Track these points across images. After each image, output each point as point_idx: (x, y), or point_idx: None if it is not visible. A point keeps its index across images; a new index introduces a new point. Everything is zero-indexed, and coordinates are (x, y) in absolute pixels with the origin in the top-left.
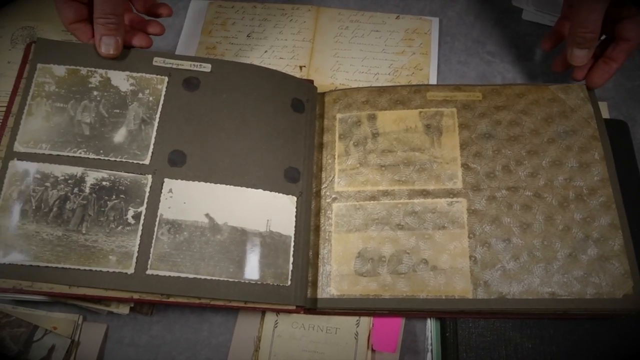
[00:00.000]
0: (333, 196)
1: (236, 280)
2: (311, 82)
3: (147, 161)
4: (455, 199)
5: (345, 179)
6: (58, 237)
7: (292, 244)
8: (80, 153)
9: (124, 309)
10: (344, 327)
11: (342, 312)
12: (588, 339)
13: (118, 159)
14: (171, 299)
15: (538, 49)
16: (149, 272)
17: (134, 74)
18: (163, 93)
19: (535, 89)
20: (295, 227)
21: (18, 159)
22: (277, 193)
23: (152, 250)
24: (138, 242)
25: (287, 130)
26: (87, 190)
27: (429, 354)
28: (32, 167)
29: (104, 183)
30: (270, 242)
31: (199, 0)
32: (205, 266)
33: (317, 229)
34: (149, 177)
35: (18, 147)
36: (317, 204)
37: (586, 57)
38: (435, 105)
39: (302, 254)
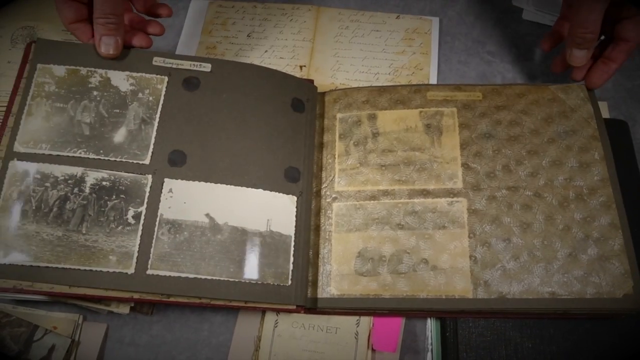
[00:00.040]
0: (333, 196)
1: (237, 280)
2: (311, 81)
3: (147, 161)
4: (455, 199)
5: (345, 178)
6: (58, 237)
7: (293, 243)
8: (80, 153)
9: (124, 309)
10: (344, 326)
11: (342, 311)
12: (588, 339)
13: (118, 159)
14: (171, 299)
15: (538, 48)
16: (149, 272)
17: (134, 74)
18: (163, 93)
19: (536, 89)
20: (296, 226)
21: (18, 159)
22: (277, 193)
23: (152, 250)
24: (138, 242)
25: (287, 130)
26: (87, 190)
27: (429, 354)
28: (32, 167)
29: (104, 183)
30: (271, 242)
31: (199, 0)
32: (205, 266)
33: (317, 228)
34: (149, 177)
35: (18, 147)
36: (318, 204)
37: (585, 58)
38: (436, 105)
39: (303, 253)
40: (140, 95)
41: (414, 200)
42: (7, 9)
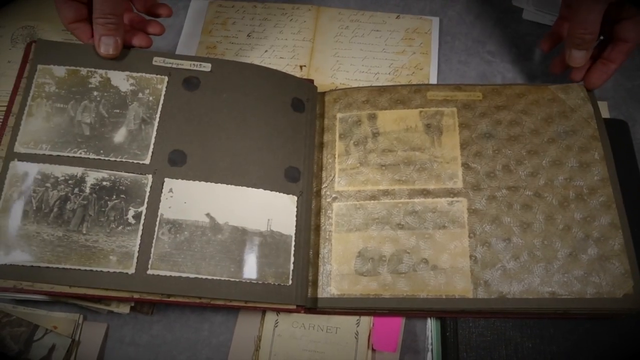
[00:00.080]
0: (333, 196)
1: (237, 280)
2: (311, 81)
3: (147, 161)
4: (455, 199)
5: (345, 178)
6: (59, 237)
7: (293, 243)
8: (80, 153)
9: (125, 309)
10: (344, 326)
11: (342, 311)
12: (588, 339)
13: (118, 159)
14: (171, 299)
15: (538, 48)
16: (149, 272)
17: (134, 74)
18: (163, 93)
19: (536, 89)
20: (296, 226)
21: (19, 160)
22: (277, 192)
23: (152, 250)
24: (138, 242)
25: (287, 130)
26: (88, 190)
27: (429, 354)
28: (33, 167)
29: (104, 183)
30: (271, 242)
31: (199, 0)
32: (206, 266)
33: (318, 228)
34: (149, 176)
35: (18, 147)
36: (318, 204)
37: (584, 59)
38: (436, 105)
39: (303, 253)
40: (140, 95)
41: (414, 200)
42: (7, 9)
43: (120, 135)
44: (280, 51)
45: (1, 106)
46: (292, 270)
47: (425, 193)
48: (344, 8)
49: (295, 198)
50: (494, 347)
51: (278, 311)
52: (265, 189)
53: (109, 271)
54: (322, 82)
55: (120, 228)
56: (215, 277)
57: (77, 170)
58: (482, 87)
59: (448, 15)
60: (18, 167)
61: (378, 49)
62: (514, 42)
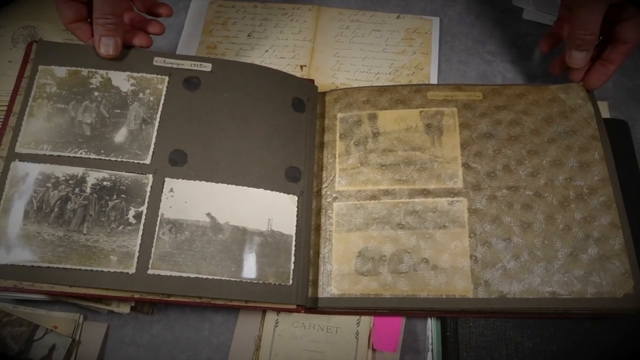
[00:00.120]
0: (334, 195)
1: (238, 280)
2: (312, 81)
3: (147, 161)
4: (455, 199)
5: (346, 178)
6: (59, 237)
7: (294, 243)
8: (81, 153)
9: (125, 308)
10: (344, 326)
11: (342, 311)
12: (588, 339)
13: (119, 159)
14: (172, 298)
15: (538, 49)
16: (150, 271)
17: (135, 74)
18: (164, 93)
19: (536, 89)
20: (296, 226)
21: (19, 160)
22: (278, 192)
23: (153, 249)
24: (139, 241)
25: (287, 130)
26: (88, 190)
27: (429, 354)
28: (34, 168)
29: (104, 183)
30: (272, 242)
31: None
32: (206, 266)
33: (318, 228)
34: (150, 176)
35: (19, 148)
36: (318, 204)
37: (584, 60)
38: (436, 105)
39: (303, 253)
40: (141, 95)
41: (414, 200)
42: (8, 9)
43: (120, 135)
44: (280, 51)
45: (2, 106)
46: (293, 270)
47: (426, 193)
48: (344, 8)
49: (296, 198)
50: (495, 346)
51: (278, 311)
52: (265, 189)
53: (109, 271)
54: (323, 82)
55: (120, 228)
56: (215, 277)
57: (78, 170)
58: (483, 87)
59: (448, 15)
60: (19, 167)
61: (378, 49)
62: (514, 42)
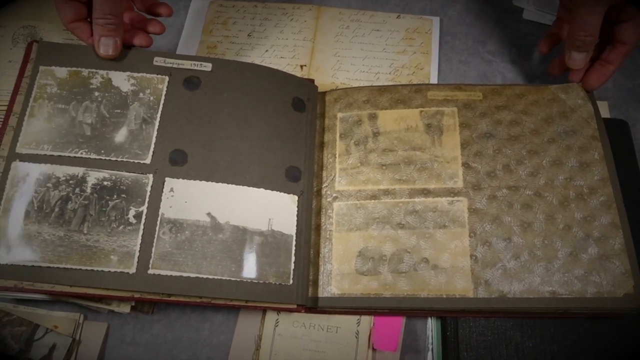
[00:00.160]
0: (334, 195)
1: (238, 280)
2: (312, 81)
3: (148, 160)
4: (456, 198)
5: (346, 178)
6: (60, 237)
7: (294, 243)
8: (81, 153)
9: (125, 308)
10: (344, 326)
11: (343, 311)
12: (589, 338)
13: (119, 159)
14: (172, 298)
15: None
16: (150, 271)
17: (135, 74)
18: (164, 92)
19: (536, 90)
20: (297, 226)
21: (20, 160)
22: (278, 192)
23: (153, 249)
24: (139, 241)
25: (288, 130)
26: (89, 190)
27: (429, 353)
28: (34, 168)
29: (105, 183)
30: (272, 241)
31: None
32: (207, 265)
33: (318, 228)
34: (150, 176)
35: (20, 148)
36: (318, 203)
37: (584, 61)
38: (436, 105)
39: (304, 253)
40: (141, 95)
41: (414, 200)
42: (8, 8)
43: (121, 135)
44: (280, 51)
45: (2, 106)
46: (293, 270)
47: (426, 192)
48: (344, 8)
49: (296, 197)
50: (495, 346)
51: (279, 310)
52: (266, 189)
53: (109, 271)
54: (323, 81)
55: (121, 228)
56: (216, 277)
57: (78, 170)
58: (483, 87)
59: (448, 15)
60: (20, 167)
61: (378, 49)
62: (514, 42)
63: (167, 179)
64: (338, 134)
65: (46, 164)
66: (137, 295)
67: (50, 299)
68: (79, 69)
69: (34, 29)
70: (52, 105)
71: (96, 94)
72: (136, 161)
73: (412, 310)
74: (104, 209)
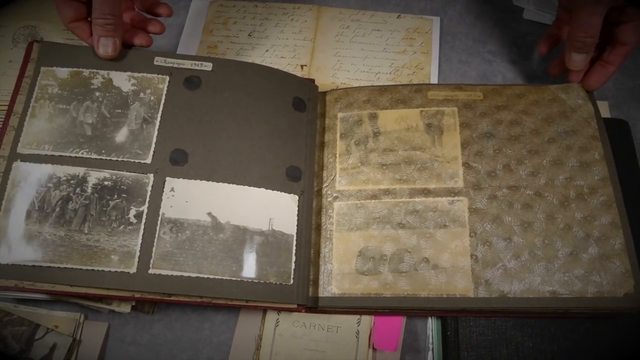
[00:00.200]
0: (334, 195)
1: (239, 279)
2: (312, 81)
3: (148, 160)
4: (456, 198)
5: (346, 177)
6: (60, 237)
7: (294, 242)
8: (82, 153)
9: (126, 308)
10: (345, 325)
11: (343, 310)
12: (589, 338)
13: (120, 159)
14: (173, 298)
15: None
16: (151, 271)
17: (136, 74)
18: (164, 92)
19: (536, 90)
20: (297, 225)
21: (21, 161)
22: (279, 192)
23: (154, 249)
24: (140, 241)
25: (288, 129)
26: (89, 190)
27: (430, 353)
28: (35, 168)
29: (105, 183)
30: (273, 241)
31: None
32: (208, 265)
33: (319, 227)
34: (151, 176)
35: (21, 148)
36: (319, 203)
37: (584, 62)
38: (436, 105)
39: (304, 252)
40: (141, 95)
41: (414, 200)
42: (8, 8)
43: (121, 135)
44: (281, 51)
45: (3, 106)
46: (294, 270)
47: (426, 192)
48: (345, 8)
49: (297, 197)
50: (495, 346)
51: (279, 310)
52: (266, 188)
53: (110, 270)
54: (323, 81)
55: (121, 227)
56: (216, 277)
57: (79, 170)
58: (483, 87)
59: (449, 15)
60: (21, 167)
61: (379, 49)
62: (514, 42)
63: (167, 178)
64: (338, 134)
65: (47, 164)
66: (137, 295)
67: (51, 299)
68: (80, 69)
69: (35, 29)
70: (53, 106)
71: (97, 94)
72: (137, 161)
73: (412, 310)
74: (105, 208)
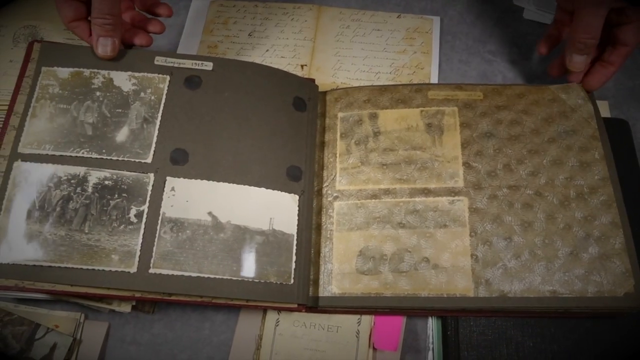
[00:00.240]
0: (334, 195)
1: (239, 279)
2: (312, 81)
3: (149, 160)
4: (456, 198)
5: (346, 177)
6: (61, 236)
7: (295, 242)
8: (83, 153)
9: (126, 307)
10: (345, 325)
11: (343, 310)
12: (589, 338)
13: (120, 158)
14: (173, 297)
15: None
16: (151, 270)
17: (136, 74)
18: (165, 92)
19: (536, 90)
20: (298, 225)
21: (22, 160)
22: (279, 191)
23: (154, 248)
24: (140, 240)
25: (288, 129)
26: (90, 189)
27: (430, 353)
28: (36, 167)
29: (106, 182)
30: (273, 241)
31: None
32: (208, 265)
33: (319, 227)
34: (151, 175)
35: (22, 148)
36: (319, 203)
37: (585, 63)
38: (437, 104)
39: (305, 252)
40: (142, 94)
41: (415, 199)
42: (8, 8)
43: (122, 135)
44: (281, 50)
45: (3, 105)
46: (294, 269)
47: (427, 192)
48: (345, 7)
49: (297, 197)
50: (495, 346)
51: (279, 310)
52: (267, 188)
53: (110, 270)
54: (323, 81)
55: (122, 227)
56: (217, 276)
57: (80, 170)
58: (483, 87)
59: (449, 15)
60: (22, 167)
61: (379, 49)
62: (514, 42)
63: (168, 178)
64: (339, 134)
65: (48, 163)
66: (138, 295)
67: (51, 299)
68: (81, 69)
69: (35, 29)
70: (54, 106)
71: (97, 93)
72: (137, 160)
73: (412, 309)
74: (105, 208)
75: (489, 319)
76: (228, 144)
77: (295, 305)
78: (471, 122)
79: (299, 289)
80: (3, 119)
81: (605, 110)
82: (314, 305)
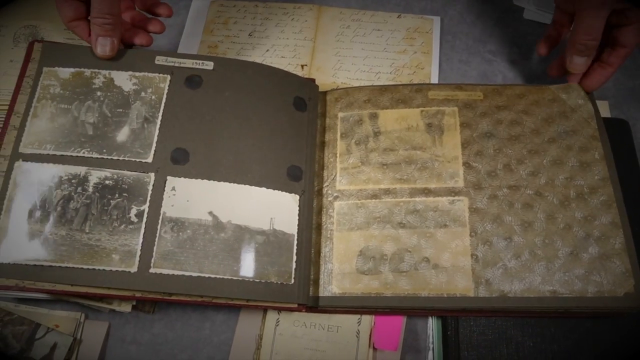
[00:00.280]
0: (335, 194)
1: (240, 279)
2: (313, 80)
3: (149, 159)
4: (456, 198)
5: (346, 177)
6: (62, 236)
7: (295, 242)
8: (83, 153)
9: (126, 307)
10: (345, 325)
11: (343, 310)
12: (589, 338)
13: (121, 158)
14: (173, 297)
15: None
16: (152, 270)
17: (137, 74)
18: (165, 91)
19: (536, 90)
20: (298, 225)
21: (23, 160)
22: (280, 191)
23: (155, 248)
24: (141, 240)
25: (289, 129)
26: (91, 189)
27: (430, 352)
28: (37, 167)
29: (107, 182)
30: (274, 240)
31: None
32: (209, 264)
33: (319, 227)
34: (152, 175)
35: (23, 148)
36: (319, 203)
37: (585, 65)
38: (437, 104)
39: (305, 252)
40: (143, 94)
41: (415, 199)
42: (9, 8)
43: (123, 134)
44: (281, 50)
45: (4, 105)
46: (294, 269)
47: (427, 192)
48: (345, 7)
49: (298, 197)
50: (495, 345)
51: (279, 310)
52: (267, 188)
53: (111, 270)
54: (324, 81)
55: (122, 227)
56: (217, 276)
57: (80, 170)
58: (483, 87)
59: (449, 15)
60: (22, 167)
61: (379, 49)
62: (515, 42)
63: (168, 177)
64: (339, 134)
65: (49, 163)
66: (138, 295)
67: (52, 298)
68: (82, 69)
69: (35, 29)
70: (55, 106)
71: (98, 93)
72: (138, 160)
73: (412, 309)
74: (106, 208)
75: (489, 319)
76: (229, 143)
77: (296, 305)
78: (471, 122)
79: (299, 289)
80: (3, 119)
81: (605, 110)
82: (314, 305)
